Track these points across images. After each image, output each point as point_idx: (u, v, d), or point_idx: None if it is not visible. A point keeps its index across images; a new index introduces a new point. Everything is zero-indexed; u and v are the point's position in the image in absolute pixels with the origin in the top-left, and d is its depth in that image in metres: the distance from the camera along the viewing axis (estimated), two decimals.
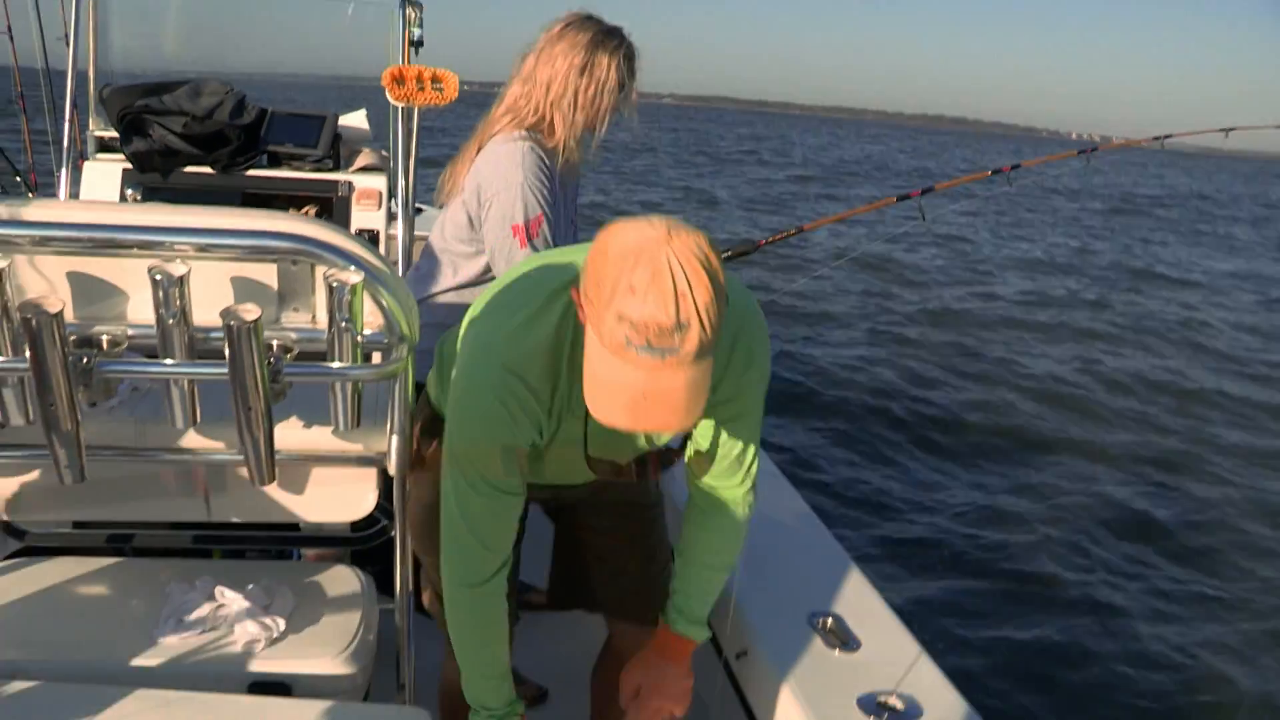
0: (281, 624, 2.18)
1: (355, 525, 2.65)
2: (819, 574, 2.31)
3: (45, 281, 1.74)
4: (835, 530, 2.54)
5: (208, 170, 4.00)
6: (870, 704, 1.90)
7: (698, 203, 25.10)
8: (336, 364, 1.78)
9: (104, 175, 4.06)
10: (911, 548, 6.20)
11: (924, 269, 16.45)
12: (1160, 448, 8.56)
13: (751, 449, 1.87)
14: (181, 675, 2.01)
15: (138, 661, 2.05)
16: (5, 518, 2.51)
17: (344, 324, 1.74)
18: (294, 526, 2.58)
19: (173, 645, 2.12)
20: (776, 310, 11.53)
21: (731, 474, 1.88)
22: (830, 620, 2.13)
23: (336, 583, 2.38)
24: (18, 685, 1.87)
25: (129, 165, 3.99)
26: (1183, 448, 8.65)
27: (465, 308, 2.63)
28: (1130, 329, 13.48)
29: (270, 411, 1.74)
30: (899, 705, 1.90)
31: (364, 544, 2.68)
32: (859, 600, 2.21)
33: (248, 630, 2.14)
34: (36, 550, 2.50)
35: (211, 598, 2.22)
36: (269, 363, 1.69)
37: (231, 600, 2.20)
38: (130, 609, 2.22)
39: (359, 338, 1.77)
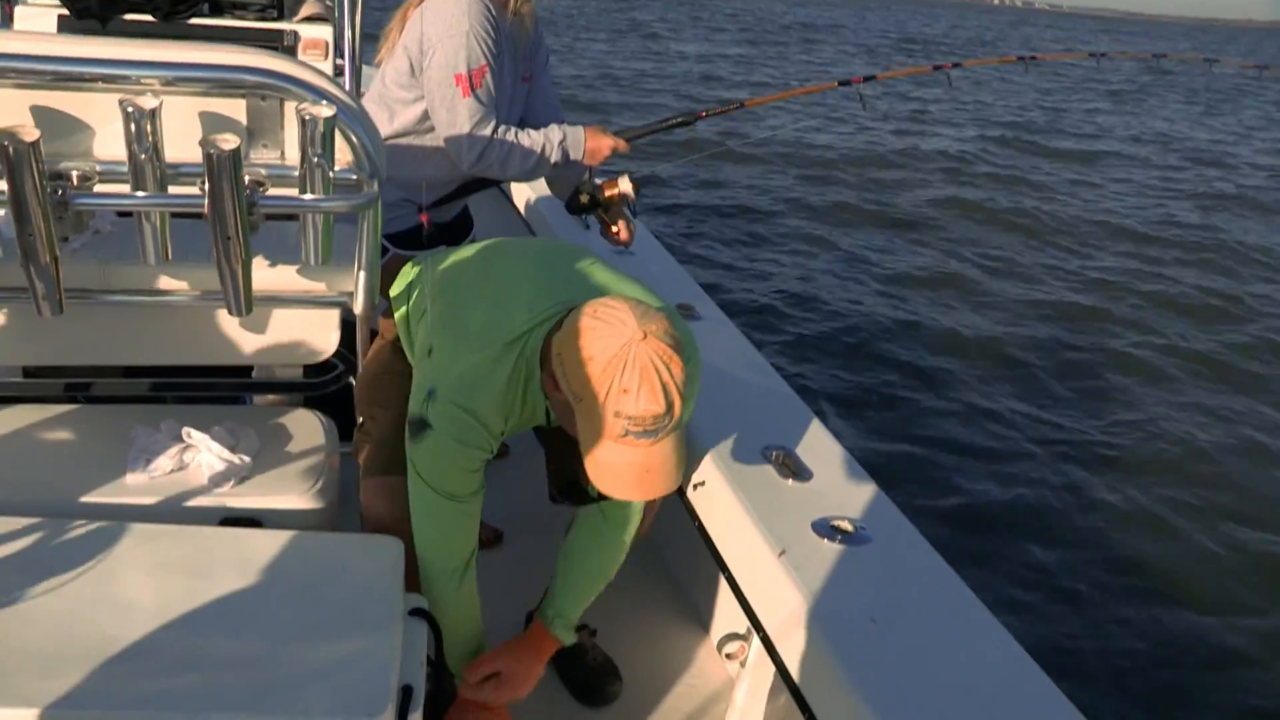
0: (249, 462, 2.23)
1: (309, 372, 2.70)
2: (772, 413, 2.41)
3: (11, 116, 1.73)
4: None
5: (148, 18, 3.87)
6: (824, 527, 2.00)
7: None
8: (309, 196, 1.80)
9: (37, 21, 3.91)
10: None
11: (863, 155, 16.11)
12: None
13: None
14: (154, 513, 2.05)
15: (109, 500, 2.09)
16: None
17: (316, 159, 1.76)
18: (250, 372, 2.61)
19: (143, 484, 2.16)
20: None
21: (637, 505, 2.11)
22: (782, 454, 2.23)
23: (298, 425, 2.43)
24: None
25: (64, 11, 3.84)
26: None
27: (403, 157, 2.66)
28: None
29: (249, 242, 1.76)
30: (849, 528, 2.00)
31: (318, 390, 2.71)
32: (811, 437, 2.31)
33: (216, 468, 2.19)
34: None
35: (179, 439, 2.25)
36: (247, 193, 1.70)
37: (199, 441, 2.24)
38: (96, 452, 2.24)
39: (330, 173, 1.79)
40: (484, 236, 3.97)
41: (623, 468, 1.67)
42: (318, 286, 2.16)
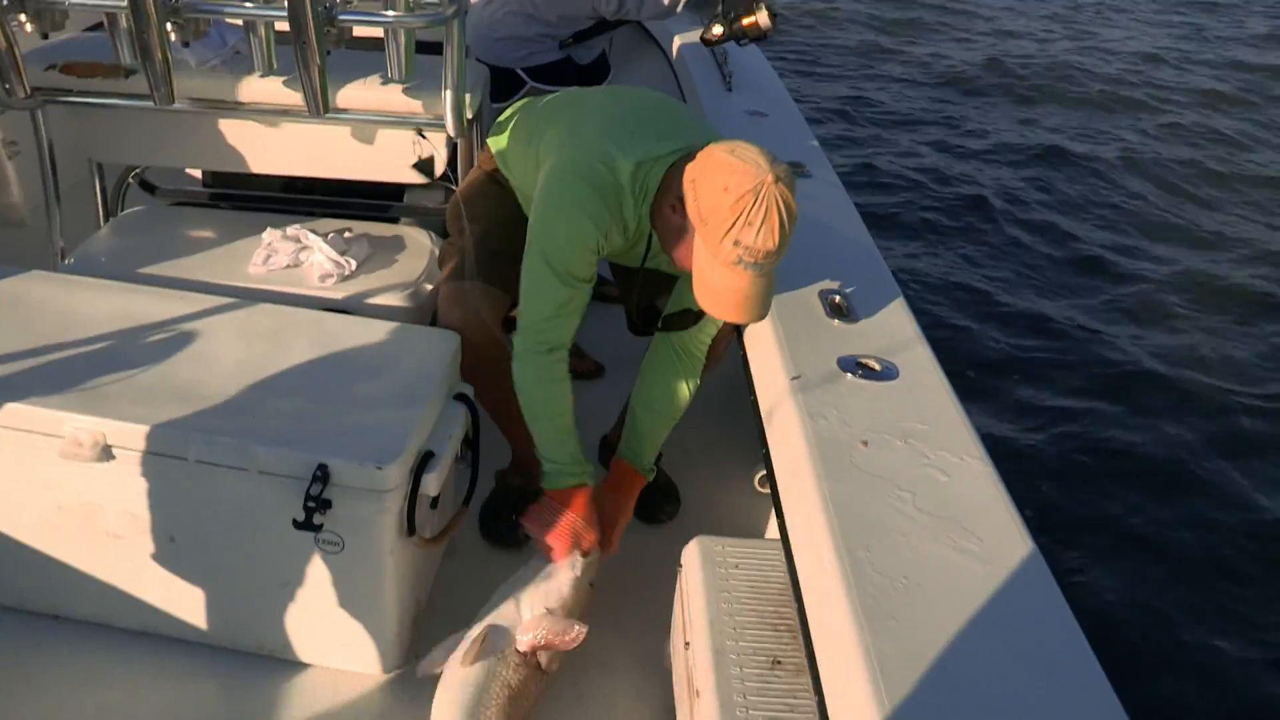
0: (354, 264, 2.50)
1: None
2: (848, 265, 2.42)
3: None
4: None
5: None
6: (849, 362, 2.05)
7: None
8: (392, 13, 2.00)
9: None
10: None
11: None
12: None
13: (718, 327, 2.21)
14: (263, 299, 2.34)
15: (230, 283, 2.41)
16: (140, 174, 2.90)
17: None
18: (377, 192, 2.88)
19: (260, 275, 2.48)
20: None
21: (704, 345, 2.25)
22: (838, 297, 2.29)
23: (407, 239, 2.69)
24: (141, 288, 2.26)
25: None
26: None
27: None
28: None
29: (323, 46, 1.97)
30: (875, 366, 2.06)
31: (428, 211, 2.95)
32: (878, 292, 2.31)
33: (324, 267, 2.48)
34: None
35: (298, 241, 2.55)
36: (325, 6, 1.92)
37: (314, 243, 2.53)
38: (229, 250, 2.58)
39: None
40: (626, 82, 4.14)
41: (727, 292, 1.84)
42: (415, 106, 2.38)
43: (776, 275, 1.88)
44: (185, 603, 2.03)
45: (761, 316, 1.92)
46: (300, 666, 2.08)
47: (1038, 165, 8.18)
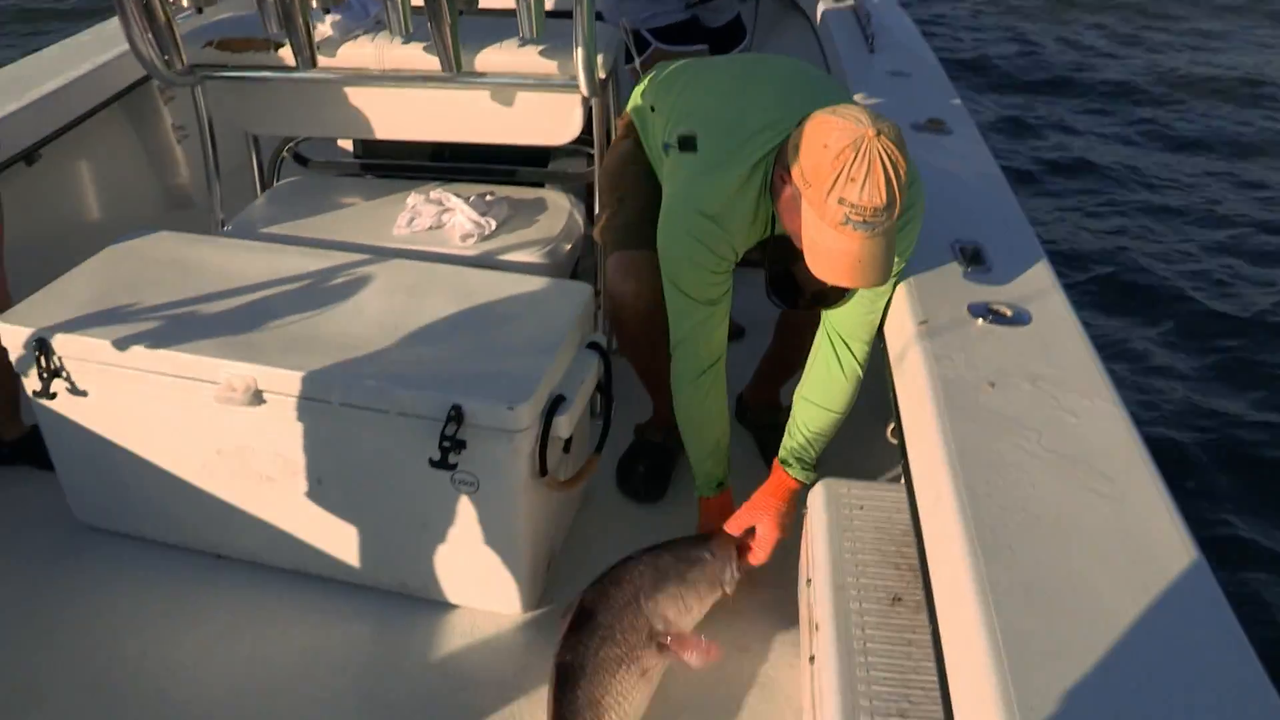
0: (493, 224, 2.57)
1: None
2: (986, 219, 2.38)
3: None
4: None
5: None
6: (980, 308, 2.00)
7: None
8: None
9: None
10: None
11: None
12: None
13: (879, 308, 2.07)
14: (406, 257, 2.43)
15: (375, 243, 2.51)
16: (294, 148, 3.04)
17: None
18: (519, 158, 2.95)
19: (404, 235, 2.58)
20: None
21: (864, 330, 2.11)
22: (973, 248, 2.25)
23: (549, 201, 2.75)
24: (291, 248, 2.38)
25: None
26: None
27: None
28: None
29: (455, 5, 2.04)
30: (1007, 312, 2.01)
31: (568, 175, 3.00)
32: (1016, 245, 2.24)
33: (465, 228, 2.55)
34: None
35: (440, 204, 2.64)
36: None
37: (456, 205, 2.61)
38: (376, 214, 2.69)
39: None
40: (766, 49, 4.12)
41: (838, 254, 1.75)
42: (548, 66, 2.43)
43: (894, 236, 1.79)
44: (333, 543, 2.13)
45: (880, 281, 1.82)
46: (440, 606, 2.16)
47: (1201, 126, 7.84)
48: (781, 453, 2.22)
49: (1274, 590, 3.44)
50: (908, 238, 2.01)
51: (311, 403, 1.96)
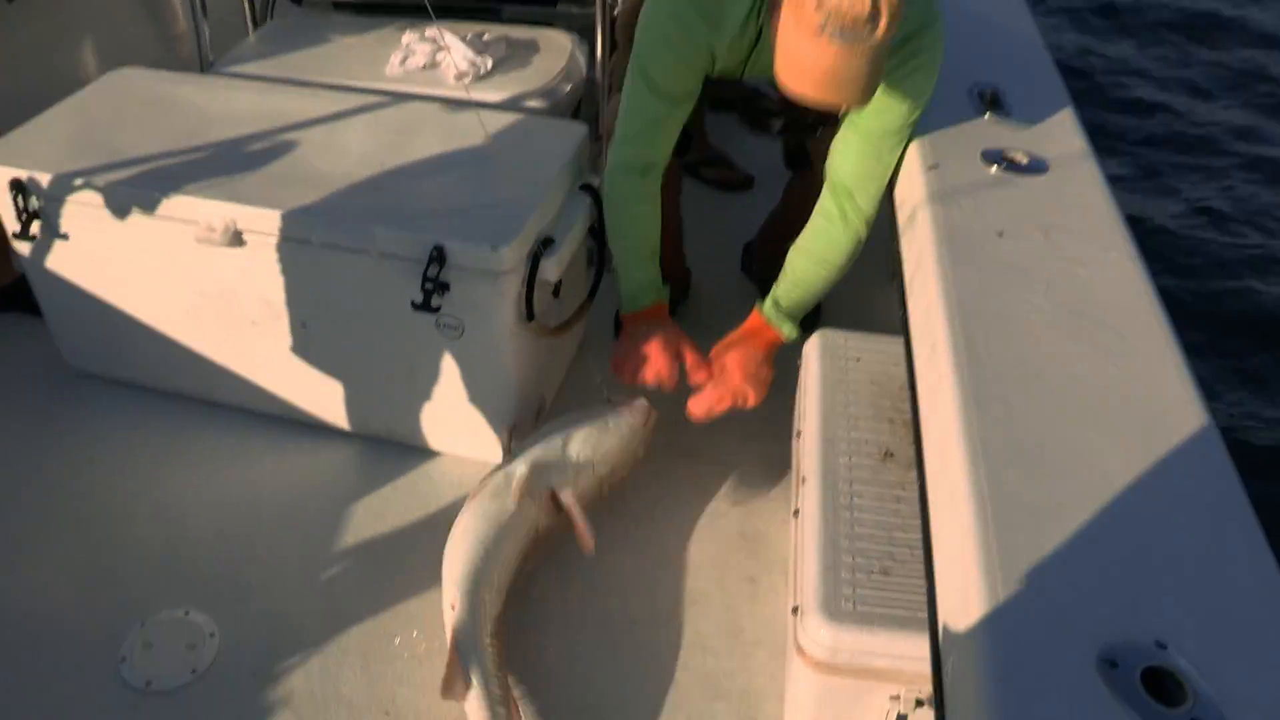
0: (489, 63, 2.46)
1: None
2: (1013, 65, 2.25)
3: None
4: None
5: None
6: (994, 154, 1.91)
7: None
8: None
9: None
10: None
11: None
12: None
13: (887, 160, 1.91)
14: (400, 98, 2.33)
15: (367, 84, 2.41)
16: None
17: None
18: None
19: (397, 75, 2.48)
20: None
21: (868, 180, 1.95)
22: (993, 92, 2.13)
23: (547, 41, 2.63)
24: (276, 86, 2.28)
25: None
26: None
27: None
28: None
29: None
30: (1022, 159, 1.91)
31: (578, 16, 2.87)
32: (1043, 93, 2.14)
33: (460, 67, 2.44)
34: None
35: (435, 42, 2.53)
36: None
37: (451, 43, 2.50)
38: (369, 53, 2.59)
39: None
40: None
41: (808, 65, 1.60)
42: None
43: (880, 61, 1.62)
44: (320, 388, 2.09)
45: (853, 102, 1.67)
46: (427, 453, 2.13)
47: None
48: (764, 302, 2.07)
49: None
50: (917, 85, 1.86)
51: (292, 243, 1.90)
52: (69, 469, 2.11)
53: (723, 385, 2.00)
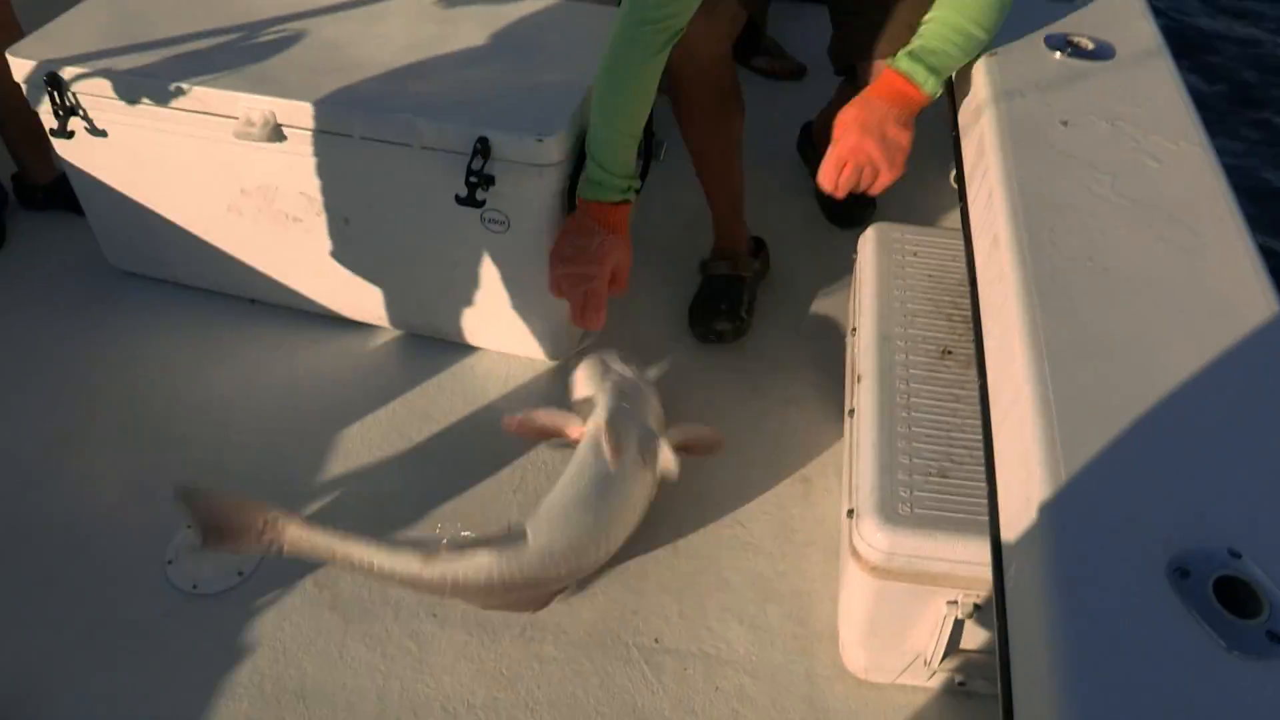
0: None
1: None
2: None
3: None
4: None
5: None
6: (1058, 40, 1.83)
7: None
8: None
9: None
10: None
11: None
12: None
13: None
14: None
15: None
16: None
17: None
18: None
19: None
20: None
21: None
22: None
23: None
24: None
25: None
26: None
27: None
28: None
29: None
30: (1088, 45, 1.83)
31: None
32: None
33: None
34: None
35: None
36: None
37: None
38: None
39: None
40: None
41: None
42: None
43: None
44: (363, 285, 2.07)
45: None
46: (472, 350, 2.11)
47: None
48: (899, 56, 1.68)
49: None
50: None
51: (333, 137, 1.85)
52: (113, 369, 2.11)
53: (843, 146, 1.64)
